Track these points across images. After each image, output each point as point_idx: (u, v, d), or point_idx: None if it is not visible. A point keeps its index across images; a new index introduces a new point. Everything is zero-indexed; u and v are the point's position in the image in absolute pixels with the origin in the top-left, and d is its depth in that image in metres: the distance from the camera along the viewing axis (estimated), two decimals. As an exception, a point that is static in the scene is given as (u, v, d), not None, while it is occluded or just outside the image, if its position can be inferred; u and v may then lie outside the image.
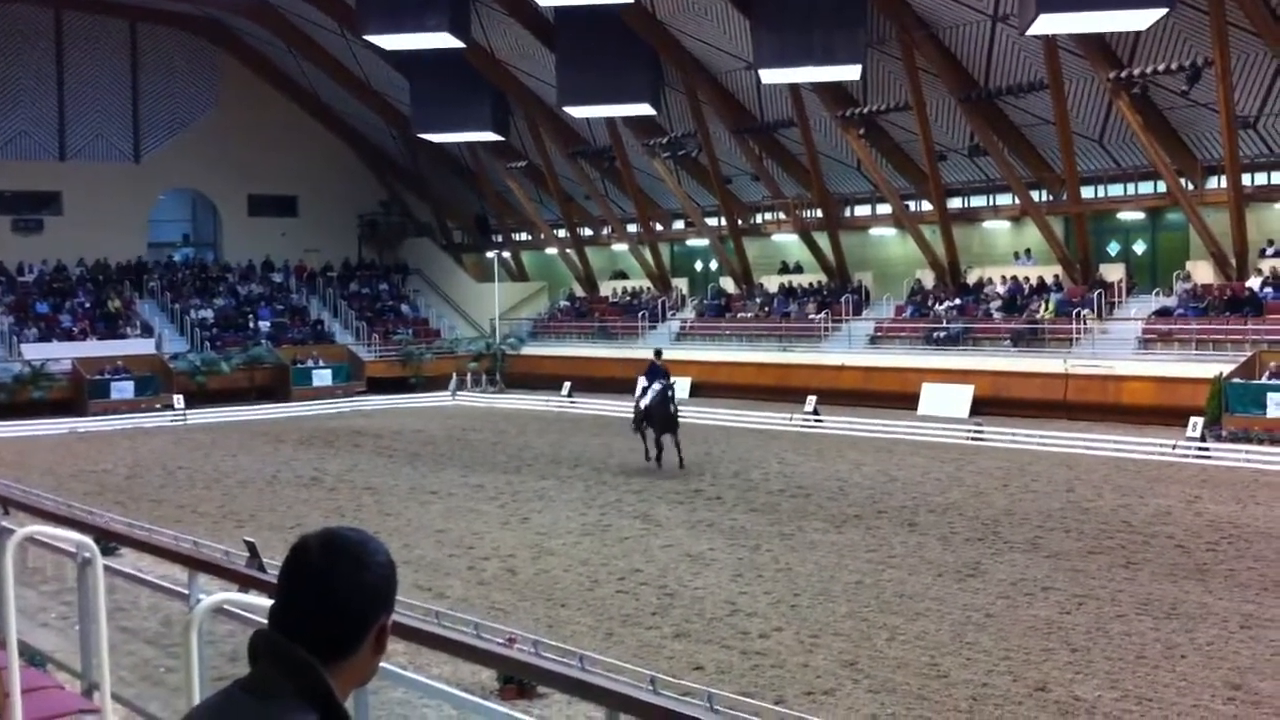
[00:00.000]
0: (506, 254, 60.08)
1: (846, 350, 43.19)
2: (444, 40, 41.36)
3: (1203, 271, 38.22)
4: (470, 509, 23.33)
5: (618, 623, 15.02)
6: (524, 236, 61.90)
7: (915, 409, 38.09)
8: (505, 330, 55.14)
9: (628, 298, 55.11)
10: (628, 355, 48.86)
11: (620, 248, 56.99)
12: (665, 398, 26.53)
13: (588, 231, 57.62)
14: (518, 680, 11.65)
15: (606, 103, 46.08)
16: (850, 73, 39.67)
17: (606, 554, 18.98)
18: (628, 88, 45.33)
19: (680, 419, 27.40)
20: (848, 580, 16.88)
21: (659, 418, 26.83)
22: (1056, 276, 41.55)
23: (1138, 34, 35.55)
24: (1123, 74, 36.22)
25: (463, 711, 10.41)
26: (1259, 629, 14.10)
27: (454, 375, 50.68)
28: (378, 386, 49.70)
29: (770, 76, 40.98)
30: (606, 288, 57.50)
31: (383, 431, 37.57)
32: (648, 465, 27.36)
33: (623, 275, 57.81)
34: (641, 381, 28.11)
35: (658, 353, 29.47)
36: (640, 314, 52.15)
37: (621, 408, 42.95)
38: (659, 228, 54.97)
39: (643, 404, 27.21)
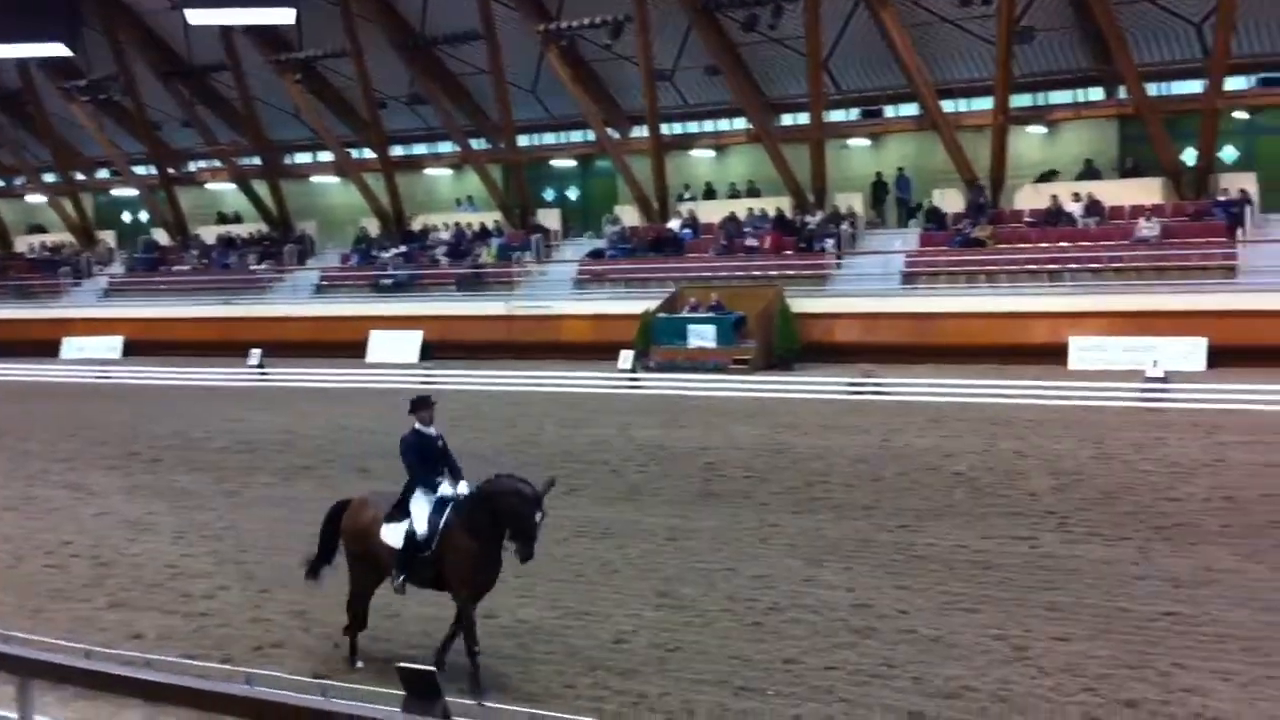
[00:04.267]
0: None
1: (292, 301, 42.33)
2: None
3: (630, 215, 40.76)
4: None
5: (47, 599, 13.83)
6: (-81, 189, 55.44)
7: (365, 357, 38.03)
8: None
9: (47, 253, 50.86)
10: (50, 315, 45.39)
11: (37, 199, 52.42)
12: (488, 522, 10.61)
13: (-2, 182, 52.59)
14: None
15: (14, 41, 42.05)
16: (284, 16, 38.55)
17: (32, 528, 17.41)
18: (38, 26, 41.48)
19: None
20: (297, 532, 16.48)
21: (477, 559, 10.74)
22: (497, 222, 42.79)
23: (564, -13, 37.14)
24: (551, 26, 37.68)
25: None
26: (683, 540, 15.26)
27: None
28: None
29: (197, 17, 39.02)
30: (22, 243, 52.80)
31: None
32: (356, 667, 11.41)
33: (41, 229, 53.28)
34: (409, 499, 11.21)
35: (423, 403, 11.51)
36: (62, 270, 48.26)
37: (44, 371, 39.74)
38: (81, 177, 51.18)
39: (395, 534, 10.98)
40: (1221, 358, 28.01)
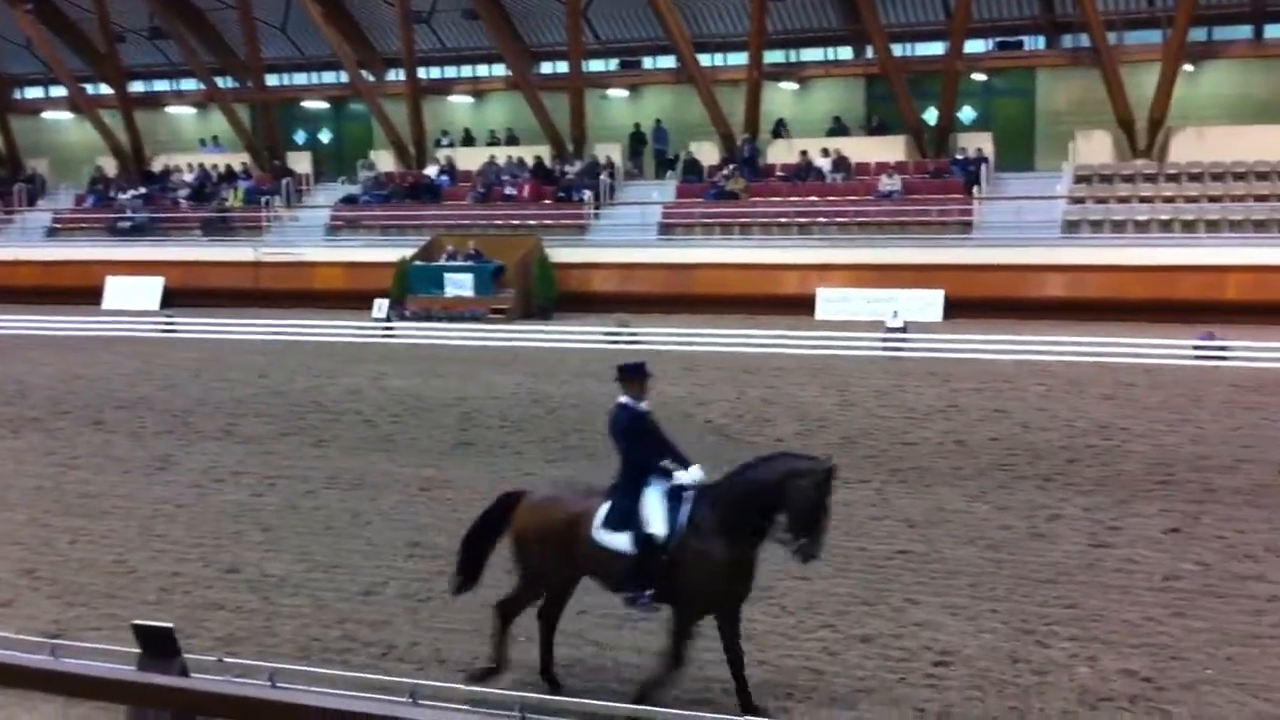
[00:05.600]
0: None
1: (21, 244, 39.87)
2: None
3: (385, 160, 39.85)
4: None
5: None
6: None
7: (101, 303, 36.23)
8: None
9: None
10: None
11: None
12: (756, 516, 8.65)
13: None
14: None
15: None
16: (10, -63, 36.07)
17: None
18: None
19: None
20: (26, 486, 15.65)
21: (719, 581, 8.77)
22: (245, 164, 41.21)
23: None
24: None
25: None
26: (437, 490, 15.09)
27: None
28: None
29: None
30: None
31: None
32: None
33: None
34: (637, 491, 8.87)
35: (636, 372, 9.02)
36: None
37: None
38: None
39: (621, 536, 8.69)
40: (957, 309, 29.41)
